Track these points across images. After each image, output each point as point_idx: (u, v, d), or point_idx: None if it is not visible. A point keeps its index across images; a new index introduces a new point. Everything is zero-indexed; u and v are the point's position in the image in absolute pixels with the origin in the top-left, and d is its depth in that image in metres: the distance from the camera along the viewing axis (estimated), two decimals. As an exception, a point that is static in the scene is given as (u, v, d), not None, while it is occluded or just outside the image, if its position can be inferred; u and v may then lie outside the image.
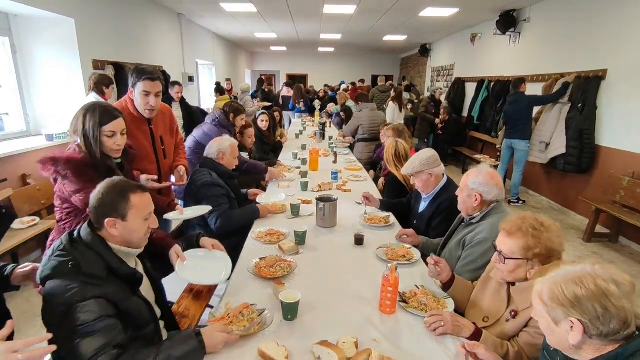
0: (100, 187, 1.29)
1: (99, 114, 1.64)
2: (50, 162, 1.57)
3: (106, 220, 1.25)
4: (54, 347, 0.96)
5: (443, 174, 2.39)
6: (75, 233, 1.26)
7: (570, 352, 0.98)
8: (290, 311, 1.44)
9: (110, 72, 4.76)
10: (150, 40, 6.30)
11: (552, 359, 1.09)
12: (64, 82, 4.33)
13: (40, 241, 3.40)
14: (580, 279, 0.93)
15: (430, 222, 2.33)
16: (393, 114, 6.50)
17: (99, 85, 3.75)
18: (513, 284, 1.44)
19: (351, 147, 5.26)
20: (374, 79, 14.30)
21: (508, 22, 6.38)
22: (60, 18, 4.15)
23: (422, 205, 2.46)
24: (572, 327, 0.92)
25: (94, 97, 3.69)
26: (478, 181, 1.84)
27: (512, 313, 1.40)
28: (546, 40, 5.72)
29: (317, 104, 8.83)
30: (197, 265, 1.68)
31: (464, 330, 1.38)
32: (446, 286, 1.69)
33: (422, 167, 2.32)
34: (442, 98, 9.07)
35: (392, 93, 7.10)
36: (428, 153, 2.36)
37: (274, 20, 8.18)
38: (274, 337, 1.33)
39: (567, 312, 0.92)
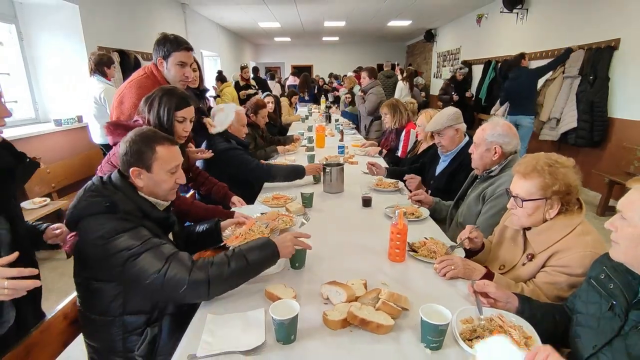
0: (129, 136, 1.28)
1: (175, 99, 1.66)
2: (121, 128, 1.58)
3: (131, 169, 1.24)
4: (39, 283, 0.97)
5: (465, 134, 2.37)
6: (105, 177, 1.26)
7: None
8: (297, 259, 1.42)
9: (115, 59, 4.78)
10: (155, 29, 6.30)
11: (602, 287, 1.06)
12: (70, 68, 4.36)
13: (51, 221, 3.43)
14: None
15: (454, 177, 2.30)
16: (401, 92, 6.45)
17: (100, 67, 3.68)
18: (529, 228, 1.40)
19: (357, 128, 5.23)
20: (380, 67, 14.15)
21: (515, -2, 6.24)
22: (64, 4, 4.17)
23: (442, 165, 2.43)
24: None
25: (96, 80, 3.67)
26: (497, 133, 1.79)
27: (529, 256, 1.37)
28: (555, 14, 5.58)
29: (323, 100, 8.76)
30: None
31: (475, 272, 1.35)
32: (473, 254, 1.61)
33: (450, 122, 2.29)
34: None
35: (405, 73, 7.06)
36: (452, 109, 2.36)
37: (278, 7, 8.13)
38: (281, 282, 1.32)
39: None
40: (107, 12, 4.93)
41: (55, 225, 1.34)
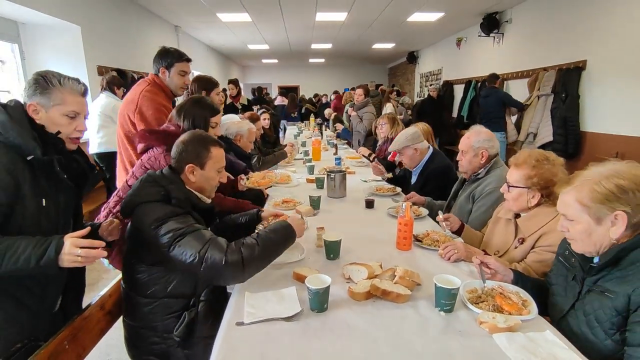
0: (185, 137, 1.46)
1: (208, 108, 1.85)
2: (162, 135, 1.72)
3: (187, 166, 1.41)
4: (105, 253, 1.13)
5: (428, 147, 2.59)
6: (159, 171, 1.42)
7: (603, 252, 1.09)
8: (332, 251, 1.57)
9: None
10: (150, 49, 6.42)
11: (566, 261, 1.26)
12: (70, 86, 4.47)
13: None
14: (618, 172, 1.02)
15: (422, 189, 2.51)
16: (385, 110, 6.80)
17: (111, 85, 3.96)
18: (519, 216, 1.61)
19: (348, 143, 5.46)
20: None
21: (491, 24, 6.73)
22: (67, 25, 4.32)
23: (413, 179, 2.68)
24: (614, 221, 1.02)
25: (105, 96, 3.88)
26: (482, 139, 2.02)
27: (520, 240, 1.57)
28: (528, 38, 6.06)
29: (312, 119, 9.02)
30: None
31: (475, 254, 1.53)
32: (457, 234, 1.84)
33: (408, 142, 2.52)
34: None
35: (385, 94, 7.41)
36: (412, 129, 2.60)
37: (268, 30, 8.46)
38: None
39: (612, 206, 1.01)
40: (106, 34, 5.11)
41: (108, 220, 1.46)
